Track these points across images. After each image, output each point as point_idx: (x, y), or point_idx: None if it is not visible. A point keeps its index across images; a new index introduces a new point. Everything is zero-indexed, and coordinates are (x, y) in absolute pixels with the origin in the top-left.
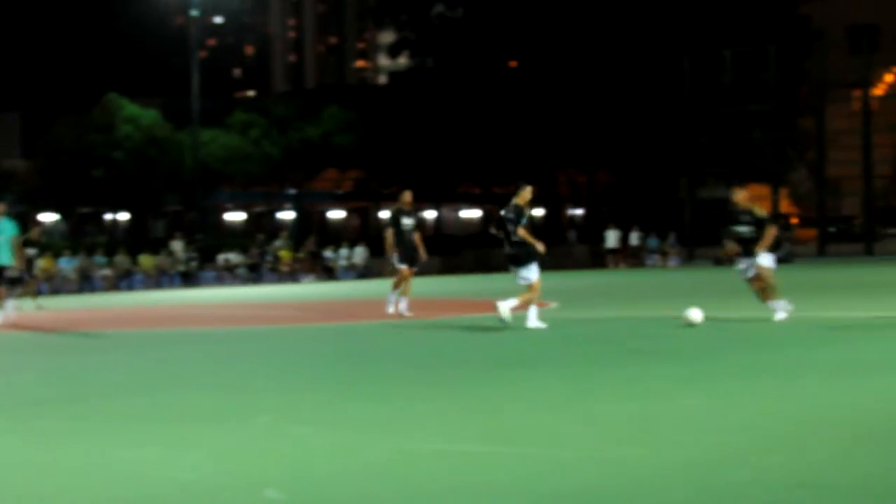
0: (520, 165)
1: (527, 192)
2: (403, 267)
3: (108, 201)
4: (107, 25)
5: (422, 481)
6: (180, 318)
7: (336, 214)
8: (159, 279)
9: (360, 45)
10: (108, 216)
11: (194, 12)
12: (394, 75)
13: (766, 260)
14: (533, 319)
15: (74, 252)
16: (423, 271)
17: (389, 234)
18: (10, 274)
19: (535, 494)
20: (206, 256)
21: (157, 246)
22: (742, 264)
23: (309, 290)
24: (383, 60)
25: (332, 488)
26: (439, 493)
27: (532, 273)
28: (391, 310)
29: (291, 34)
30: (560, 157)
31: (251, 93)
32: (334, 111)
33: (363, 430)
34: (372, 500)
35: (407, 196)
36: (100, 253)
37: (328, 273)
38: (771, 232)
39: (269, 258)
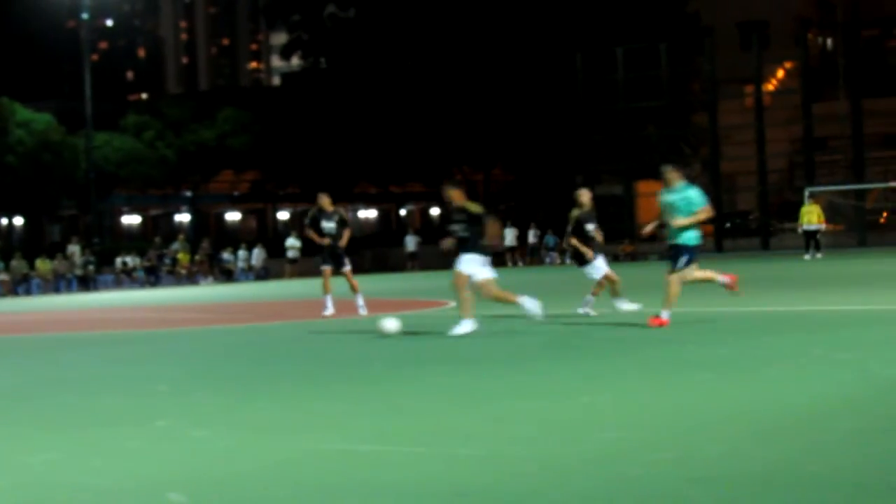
0: (415, 164)
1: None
2: (327, 267)
3: (2, 206)
4: None
5: (323, 482)
6: (79, 323)
7: (233, 216)
8: (57, 284)
9: (253, 47)
10: (3, 221)
11: (85, 15)
12: (287, 76)
13: (466, 266)
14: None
15: None
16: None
17: (311, 235)
18: None
19: (436, 493)
20: (103, 260)
21: (54, 250)
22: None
23: (208, 292)
24: (277, 61)
25: (232, 490)
26: (341, 493)
27: (595, 270)
28: (328, 312)
29: (183, 36)
30: (454, 154)
31: (144, 95)
32: (229, 113)
33: (264, 431)
34: (273, 501)
35: (323, 199)
36: None
37: (227, 275)
38: (493, 227)
39: (167, 261)
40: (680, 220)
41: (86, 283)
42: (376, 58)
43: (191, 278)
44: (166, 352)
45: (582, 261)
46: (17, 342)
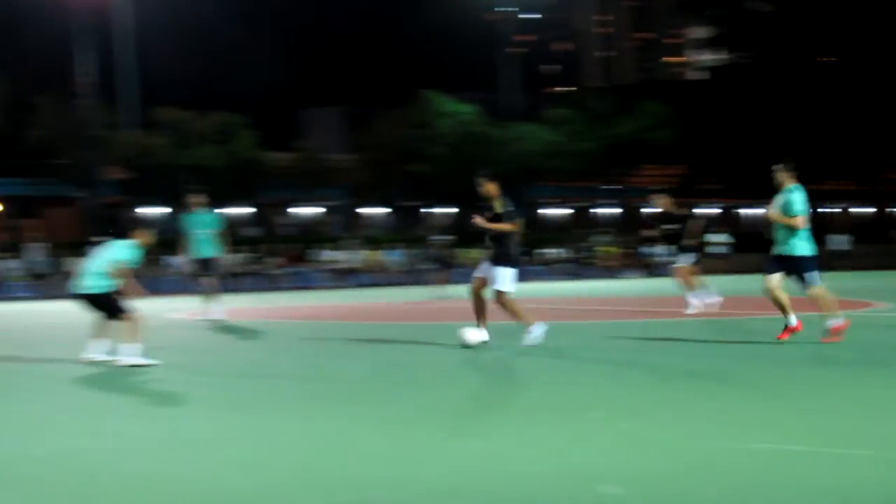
0: (841, 163)
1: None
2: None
3: (431, 195)
4: (421, 24)
5: (759, 481)
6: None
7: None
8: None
9: (673, 41)
10: (435, 210)
11: (508, 9)
12: (712, 70)
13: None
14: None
15: (402, 245)
16: (747, 269)
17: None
18: (216, 265)
19: (868, 498)
20: (529, 250)
21: (478, 240)
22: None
23: (629, 285)
24: (697, 55)
25: (668, 487)
26: (778, 494)
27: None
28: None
29: (602, 30)
30: (883, 154)
31: (564, 88)
32: (652, 107)
33: (691, 427)
34: (709, 500)
35: (660, 199)
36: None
37: (648, 269)
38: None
39: (591, 253)
40: (775, 215)
41: None
42: (799, 52)
43: (610, 271)
44: (592, 343)
45: None
46: (444, 329)
